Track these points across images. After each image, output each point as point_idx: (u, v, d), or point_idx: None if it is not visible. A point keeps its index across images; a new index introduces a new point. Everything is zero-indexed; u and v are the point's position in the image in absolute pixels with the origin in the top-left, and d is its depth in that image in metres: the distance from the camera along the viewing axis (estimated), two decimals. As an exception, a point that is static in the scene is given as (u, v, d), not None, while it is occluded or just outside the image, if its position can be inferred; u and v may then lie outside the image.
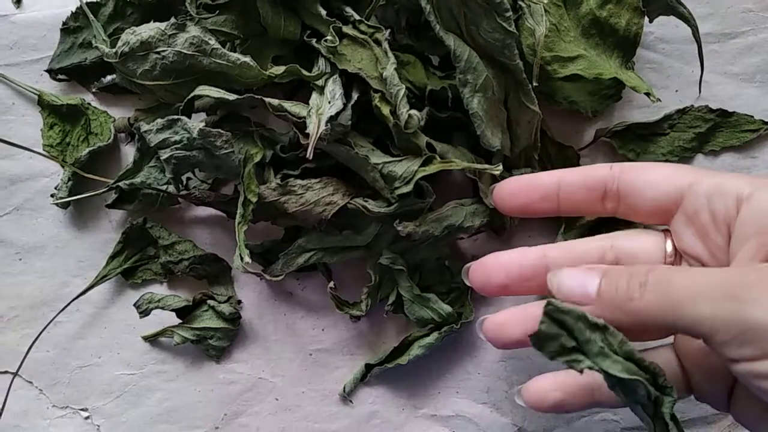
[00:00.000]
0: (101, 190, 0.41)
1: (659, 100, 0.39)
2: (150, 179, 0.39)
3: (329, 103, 0.37)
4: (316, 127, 0.36)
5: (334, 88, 0.38)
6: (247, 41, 0.40)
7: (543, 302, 0.27)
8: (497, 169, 0.37)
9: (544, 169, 0.41)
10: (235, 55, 0.37)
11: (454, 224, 0.39)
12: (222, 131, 0.36)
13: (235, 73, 0.38)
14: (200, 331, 0.42)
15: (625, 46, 0.40)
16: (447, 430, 0.43)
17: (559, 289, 0.29)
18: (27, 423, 0.44)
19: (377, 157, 0.38)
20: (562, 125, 0.43)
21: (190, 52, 0.37)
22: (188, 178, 0.42)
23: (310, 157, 0.36)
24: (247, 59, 0.37)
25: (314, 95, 0.38)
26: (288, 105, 0.38)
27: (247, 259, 0.36)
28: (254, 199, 0.37)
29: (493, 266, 0.34)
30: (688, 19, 0.40)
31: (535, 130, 0.39)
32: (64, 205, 0.43)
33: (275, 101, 0.38)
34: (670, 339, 0.34)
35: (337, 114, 0.37)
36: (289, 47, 0.41)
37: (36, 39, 0.44)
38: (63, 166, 0.43)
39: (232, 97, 0.37)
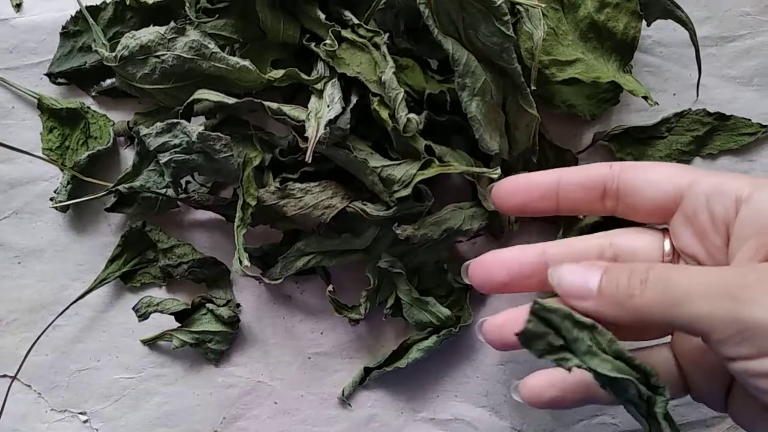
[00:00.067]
0: (100, 194, 0.41)
1: (657, 103, 0.39)
2: (149, 183, 0.39)
3: (328, 106, 0.37)
4: (315, 130, 0.36)
5: (333, 91, 0.38)
6: (247, 45, 0.40)
7: None
8: (496, 173, 0.37)
9: (543, 172, 0.41)
10: (234, 59, 0.37)
11: (453, 227, 0.39)
12: (221, 135, 0.37)
13: (234, 77, 0.38)
14: (199, 335, 0.42)
15: (623, 49, 0.40)
16: (446, 433, 0.43)
17: (560, 284, 0.29)
18: (26, 426, 0.44)
19: (376, 161, 0.38)
20: (561, 129, 0.43)
21: (189, 56, 0.37)
22: (187, 182, 0.42)
23: (309, 161, 0.36)
24: (247, 63, 0.37)
25: (313, 99, 0.38)
26: (287, 109, 0.38)
27: (246, 262, 0.36)
28: (253, 203, 0.37)
29: (494, 263, 0.34)
30: (685, 23, 0.40)
31: (534, 133, 0.39)
32: (63, 209, 0.43)
33: (274, 105, 0.38)
34: (668, 338, 0.34)
35: (336, 118, 0.37)
36: (288, 51, 0.41)
37: (36, 43, 0.44)
38: (62, 170, 0.43)
39: (231, 100, 0.38)
